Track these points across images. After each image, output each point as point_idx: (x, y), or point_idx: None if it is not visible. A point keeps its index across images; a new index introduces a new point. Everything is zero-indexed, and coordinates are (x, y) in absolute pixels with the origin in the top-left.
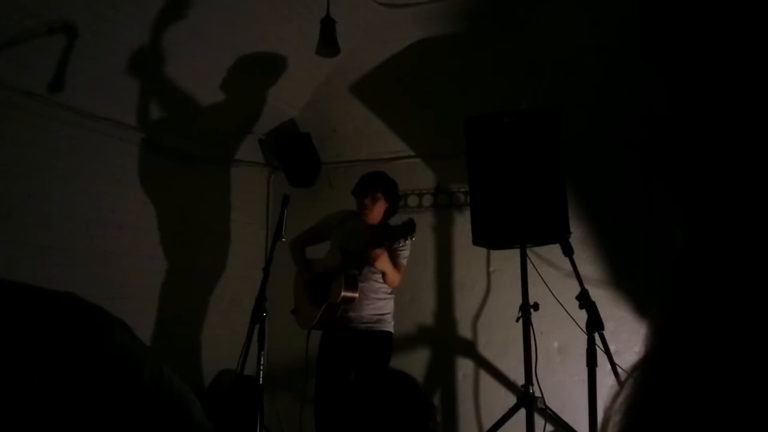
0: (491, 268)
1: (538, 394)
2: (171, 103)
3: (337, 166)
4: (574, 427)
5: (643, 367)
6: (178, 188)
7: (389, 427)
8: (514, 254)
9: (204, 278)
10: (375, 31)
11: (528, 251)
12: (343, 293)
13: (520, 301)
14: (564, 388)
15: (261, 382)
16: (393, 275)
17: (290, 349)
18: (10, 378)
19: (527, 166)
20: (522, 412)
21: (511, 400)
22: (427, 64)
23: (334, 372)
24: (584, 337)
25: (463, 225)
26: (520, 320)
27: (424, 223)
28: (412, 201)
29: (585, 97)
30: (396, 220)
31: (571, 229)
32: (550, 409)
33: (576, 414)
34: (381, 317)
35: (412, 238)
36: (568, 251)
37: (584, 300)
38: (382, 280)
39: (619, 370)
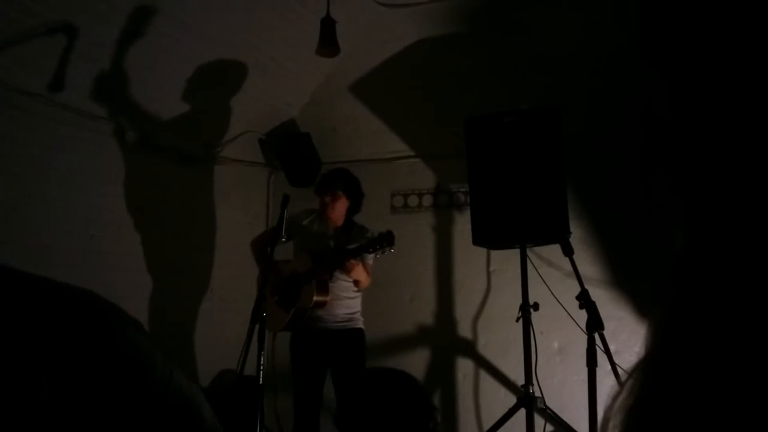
0: (491, 268)
1: (538, 394)
2: (171, 103)
3: (337, 166)
4: (574, 427)
5: (643, 367)
6: (178, 188)
7: (390, 426)
8: (514, 254)
9: (204, 278)
10: (375, 31)
11: (528, 251)
12: (315, 298)
13: (520, 301)
14: (564, 388)
15: (261, 382)
16: (366, 281)
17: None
18: (23, 370)
19: (527, 166)
20: (522, 412)
21: (511, 400)
22: (427, 64)
23: (311, 373)
24: (584, 337)
25: (463, 225)
26: (520, 320)
27: (424, 223)
28: (412, 201)
29: (585, 97)
30: (388, 222)
31: (571, 229)
32: (550, 409)
33: (576, 414)
34: (352, 315)
35: (390, 251)
36: (568, 251)
37: (584, 300)
38: (350, 280)
39: (619, 370)
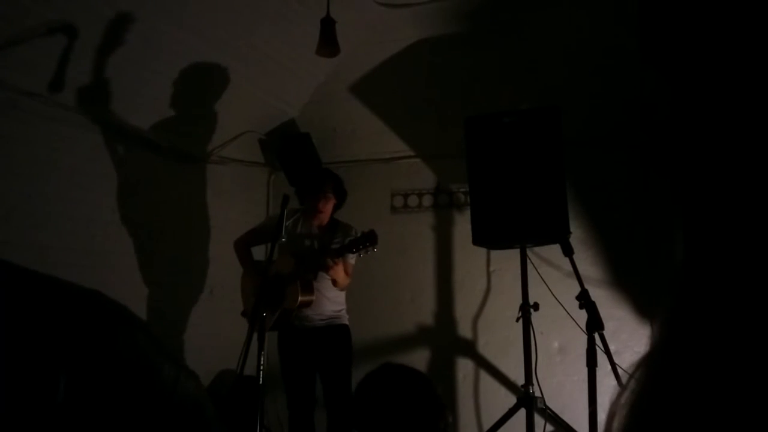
0: (491, 268)
1: (538, 394)
2: (171, 103)
3: (337, 166)
4: (574, 427)
5: (648, 362)
6: (178, 188)
7: (401, 424)
8: (514, 254)
9: (204, 278)
10: (375, 31)
11: (528, 251)
12: (300, 299)
13: (520, 301)
14: (564, 388)
15: (261, 382)
16: (344, 282)
17: None
18: (29, 370)
19: (527, 166)
20: (522, 412)
21: (511, 400)
22: (427, 64)
23: (301, 373)
24: (584, 337)
25: (463, 225)
26: (520, 320)
27: (424, 223)
28: (412, 201)
29: (585, 97)
30: (388, 222)
31: (571, 229)
32: (550, 409)
33: (576, 414)
34: (338, 313)
35: (374, 250)
36: (568, 251)
37: (584, 300)
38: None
39: (619, 370)
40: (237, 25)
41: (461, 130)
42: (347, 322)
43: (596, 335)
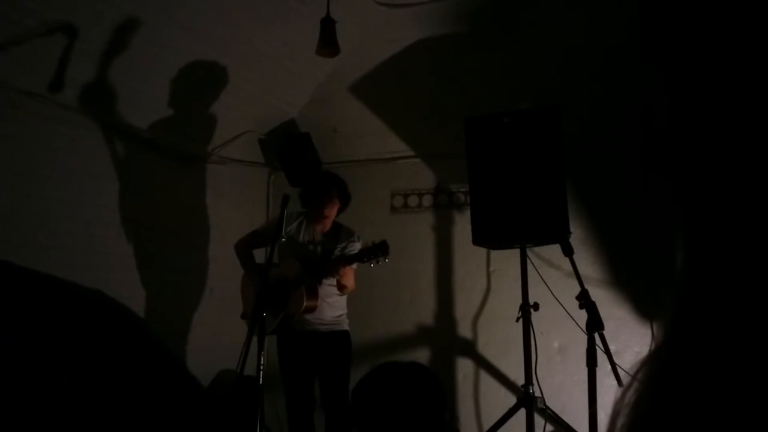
0: (491, 268)
1: (538, 394)
2: (171, 103)
3: (337, 166)
4: (574, 427)
5: (651, 362)
6: (177, 188)
7: (407, 418)
8: (514, 254)
9: (204, 278)
10: (375, 31)
11: (528, 251)
12: (305, 304)
13: (520, 301)
14: (564, 388)
15: (261, 382)
16: (352, 287)
17: None
18: (30, 371)
19: (527, 166)
20: (522, 412)
21: (511, 400)
22: (427, 64)
23: (300, 375)
24: (584, 337)
25: (463, 225)
26: (520, 320)
27: (424, 223)
28: (412, 201)
29: (585, 97)
30: (388, 222)
31: (571, 229)
32: (550, 409)
33: (576, 414)
34: (339, 318)
35: (385, 261)
36: (568, 251)
37: (584, 300)
38: (335, 284)
39: (619, 370)
40: (237, 25)
41: (461, 130)
42: (347, 328)
43: (596, 335)
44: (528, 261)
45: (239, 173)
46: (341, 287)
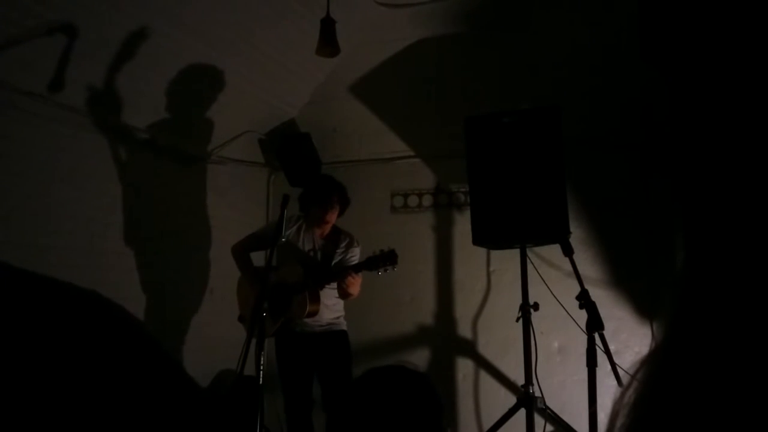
0: (491, 268)
1: (538, 394)
2: (171, 102)
3: (337, 166)
4: (574, 427)
5: (651, 362)
6: (178, 188)
7: (404, 424)
8: (514, 254)
9: (204, 278)
10: (375, 31)
11: (528, 251)
12: (308, 309)
13: (520, 301)
14: (564, 388)
15: (261, 382)
16: (357, 295)
17: None
18: (28, 372)
19: (527, 166)
20: (522, 412)
21: (511, 400)
22: (427, 64)
23: (298, 376)
24: (584, 337)
25: (463, 225)
26: (520, 320)
27: (424, 223)
28: (412, 201)
29: (585, 97)
30: (388, 222)
31: (571, 229)
32: (550, 409)
33: (576, 414)
34: (337, 319)
35: (393, 269)
36: (568, 251)
37: (584, 300)
38: (335, 287)
39: (619, 370)
40: (237, 25)
41: (461, 130)
42: (345, 328)
43: (596, 335)
44: (528, 261)
45: (239, 173)
46: (346, 295)
